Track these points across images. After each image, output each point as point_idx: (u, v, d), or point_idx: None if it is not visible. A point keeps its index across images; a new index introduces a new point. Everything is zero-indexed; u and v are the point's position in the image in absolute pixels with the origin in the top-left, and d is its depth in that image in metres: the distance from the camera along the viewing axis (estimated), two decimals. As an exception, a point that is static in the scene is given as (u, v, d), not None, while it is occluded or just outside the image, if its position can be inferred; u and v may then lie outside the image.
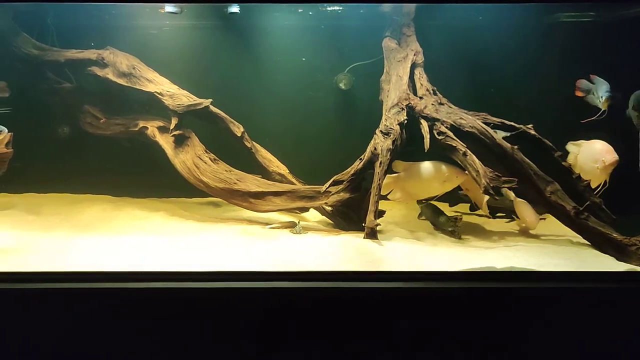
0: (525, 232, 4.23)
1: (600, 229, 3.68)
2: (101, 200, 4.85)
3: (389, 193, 4.27)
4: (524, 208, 4.20)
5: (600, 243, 3.67)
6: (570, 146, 4.13)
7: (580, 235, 3.81)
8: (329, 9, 4.62)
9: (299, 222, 4.24)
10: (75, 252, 3.45)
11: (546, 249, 3.71)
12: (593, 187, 3.93)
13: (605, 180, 3.85)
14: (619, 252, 3.56)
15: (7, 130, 3.64)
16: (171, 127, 4.57)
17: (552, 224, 4.14)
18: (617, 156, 3.78)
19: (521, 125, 4.05)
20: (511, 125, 4.08)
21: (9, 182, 4.55)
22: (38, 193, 5.02)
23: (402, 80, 4.41)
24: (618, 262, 3.46)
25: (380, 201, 3.86)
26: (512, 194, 4.30)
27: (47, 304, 2.96)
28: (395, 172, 4.21)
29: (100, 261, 3.31)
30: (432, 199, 4.37)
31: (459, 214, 4.30)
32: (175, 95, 4.62)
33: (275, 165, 4.70)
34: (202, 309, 2.98)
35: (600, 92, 3.86)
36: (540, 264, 3.33)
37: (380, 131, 4.11)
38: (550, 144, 4.03)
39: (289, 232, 4.12)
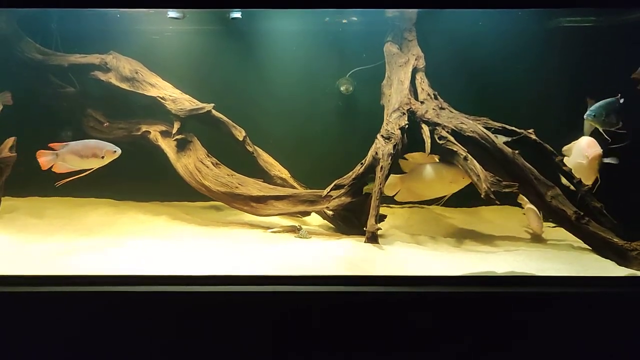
0: (535, 237, 4.24)
1: (601, 234, 3.68)
2: (104, 204, 4.88)
3: (395, 194, 4.28)
4: (530, 214, 4.26)
5: (601, 248, 3.67)
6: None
7: (581, 240, 3.81)
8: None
9: (300, 227, 4.24)
10: (77, 256, 3.46)
11: (547, 254, 3.71)
12: (586, 183, 3.95)
13: (597, 177, 3.83)
14: (619, 256, 3.55)
15: (120, 151, 3.83)
16: (173, 132, 4.60)
17: (552, 229, 4.16)
18: (599, 149, 3.76)
19: (522, 130, 4.07)
20: (512, 129, 4.10)
21: (12, 186, 4.57)
22: (41, 197, 5.05)
23: (404, 85, 4.43)
24: (619, 267, 3.46)
25: (381, 205, 3.87)
26: (525, 199, 4.33)
27: (50, 307, 2.97)
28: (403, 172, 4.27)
29: (102, 265, 3.32)
30: (440, 199, 4.39)
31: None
32: (177, 99, 4.65)
33: (277, 169, 4.72)
34: (203, 313, 2.99)
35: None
36: (540, 268, 3.33)
37: (382, 136, 4.13)
38: (551, 148, 4.04)
39: (294, 236, 4.11)
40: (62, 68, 4.79)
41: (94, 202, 4.93)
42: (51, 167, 3.75)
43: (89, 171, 3.80)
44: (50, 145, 3.73)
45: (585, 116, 3.82)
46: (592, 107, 3.78)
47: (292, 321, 2.99)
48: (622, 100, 3.78)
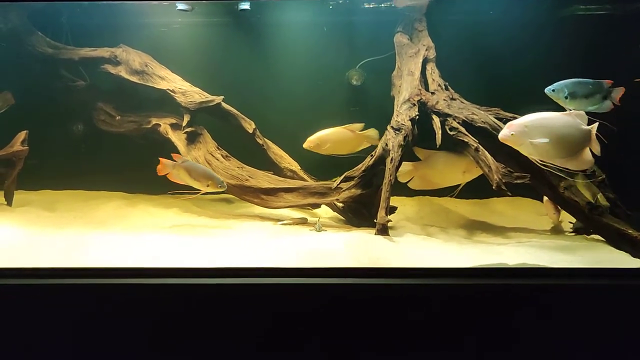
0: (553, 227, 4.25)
1: (614, 225, 3.64)
2: (115, 197, 4.91)
3: (409, 181, 4.27)
4: (548, 204, 4.27)
5: (615, 239, 3.63)
6: None
7: (595, 232, 3.77)
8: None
9: (319, 220, 4.21)
10: (89, 249, 3.48)
11: (559, 245, 3.67)
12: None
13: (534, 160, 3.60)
14: (634, 248, 3.51)
15: (225, 187, 4.08)
16: (183, 124, 4.60)
17: (565, 221, 4.12)
18: (508, 131, 3.41)
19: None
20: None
21: (24, 179, 4.61)
22: (53, 190, 5.09)
23: (414, 76, 4.39)
24: (633, 259, 3.42)
25: (391, 197, 3.85)
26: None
27: (62, 299, 2.99)
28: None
29: (114, 257, 3.34)
30: (456, 189, 4.36)
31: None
32: (187, 92, 4.65)
33: (287, 161, 4.71)
34: (213, 305, 3.00)
35: None
36: (553, 260, 3.29)
37: (392, 127, 4.10)
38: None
39: (309, 229, 4.10)
40: (72, 62, 4.82)
41: (106, 195, 4.97)
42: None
43: (197, 193, 4.07)
44: (173, 155, 4.05)
45: (545, 90, 3.63)
46: (556, 83, 3.62)
47: (300, 314, 2.99)
48: (611, 87, 3.56)
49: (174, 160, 4.03)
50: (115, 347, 3.01)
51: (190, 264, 3.23)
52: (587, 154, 3.40)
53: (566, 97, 3.51)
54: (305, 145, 4.50)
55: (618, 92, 3.53)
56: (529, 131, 3.33)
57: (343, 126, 4.52)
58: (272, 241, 3.73)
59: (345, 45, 4.96)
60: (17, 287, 3.00)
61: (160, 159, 4.05)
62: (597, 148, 3.38)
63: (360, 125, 4.50)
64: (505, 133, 3.35)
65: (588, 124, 3.44)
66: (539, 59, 4.69)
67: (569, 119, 3.39)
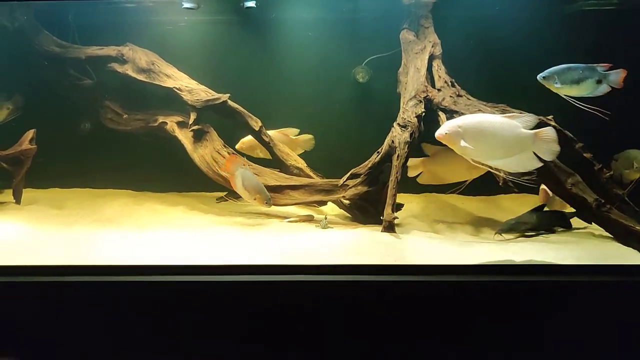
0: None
1: (623, 222, 3.61)
2: (123, 195, 4.94)
3: (417, 176, 4.30)
4: (540, 193, 4.34)
5: (623, 236, 3.60)
6: None
7: (603, 228, 3.74)
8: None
9: (326, 217, 4.21)
10: (96, 246, 3.50)
11: (566, 242, 3.66)
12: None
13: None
14: (642, 244, 3.49)
15: (271, 206, 4.11)
16: (190, 122, 4.61)
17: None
18: (443, 129, 3.33)
19: (541, 117, 3.98)
20: (531, 116, 4.03)
21: (32, 177, 4.64)
22: (61, 188, 5.13)
23: (420, 73, 4.38)
24: (641, 255, 3.41)
25: (398, 194, 3.85)
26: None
27: (69, 297, 3.02)
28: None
29: (121, 255, 3.36)
30: (461, 184, 4.36)
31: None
32: (193, 90, 4.66)
33: (293, 159, 4.70)
34: (219, 302, 3.01)
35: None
36: (559, 257, 3.28)
37: (398, 124, 4.10)
38: (571, 135, 3.96)
39: (315, 226, 4.11)
40: (79, 60, 4.84)
41: (113, 193, 5.00)
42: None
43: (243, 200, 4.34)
44: (238, 160, 4.23)
45: (537, 77, 3.54)
46: (547, 70, 3.52)
47: (306, 311, 3.00)
48: (607, 71, 3.44)
49: (238, 165, 4.08)
50: (122, 344, 3.03)
51: (197, 261, 3.23)
52: (528, 158, 3.24)
53: (557, 84, 3.47)
54: (237, 147, 4.63)
55: (618, 75, 3.45)
56: (462, 132, 3.26)
57: (277, 130, 4.60)
58: (279, 238, 3.73)
59: (352, 42, 4.95)
60: (24, 285, 3.02)
61: (231, 155, 4.24)
62: (547, 154, 3.21)
63: (295, 130, 4.64)
64: (441, 131, 3.32)
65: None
66: (547, 55, 4.65)
67: (506, 122, 3.26)
